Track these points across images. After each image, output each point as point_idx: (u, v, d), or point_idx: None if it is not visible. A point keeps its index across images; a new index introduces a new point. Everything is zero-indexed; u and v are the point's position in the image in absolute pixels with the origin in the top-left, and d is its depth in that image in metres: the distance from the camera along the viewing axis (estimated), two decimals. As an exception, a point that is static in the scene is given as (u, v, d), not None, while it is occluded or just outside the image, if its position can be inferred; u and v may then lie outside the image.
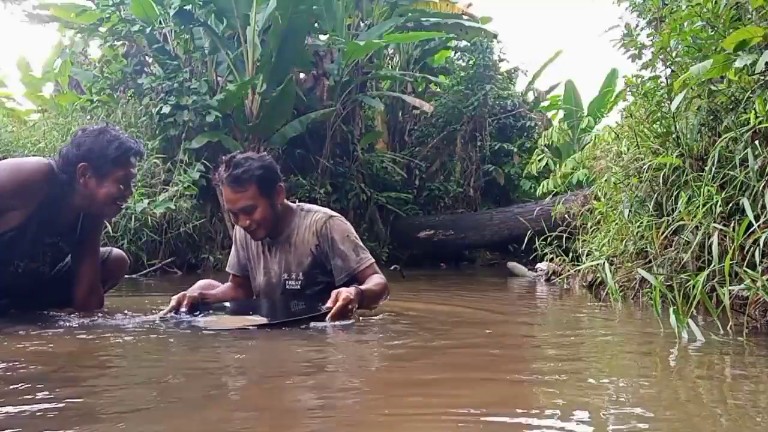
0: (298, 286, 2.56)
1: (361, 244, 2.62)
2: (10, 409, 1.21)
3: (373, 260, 2.59)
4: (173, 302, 2.41)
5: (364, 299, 2.34)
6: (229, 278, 2.79)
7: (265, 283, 2.63)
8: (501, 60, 11.08)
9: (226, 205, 2.49)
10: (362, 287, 2.37)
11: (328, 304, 2.23)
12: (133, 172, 2.53)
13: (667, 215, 3.02)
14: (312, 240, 2.54)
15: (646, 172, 3.26)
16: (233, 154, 2.53)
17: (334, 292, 2.26)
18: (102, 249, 2.79)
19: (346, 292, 2.25)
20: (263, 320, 2.34)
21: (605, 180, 4.04)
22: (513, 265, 7.07)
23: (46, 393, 1.35)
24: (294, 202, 2.70)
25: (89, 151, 2.40)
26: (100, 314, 2.54)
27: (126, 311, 2.62)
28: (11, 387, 1.41)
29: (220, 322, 2.37)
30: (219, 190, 2.62)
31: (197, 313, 2.44)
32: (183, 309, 2.38)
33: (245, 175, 2.41)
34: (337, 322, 2.21)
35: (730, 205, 2.58)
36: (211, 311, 2.50)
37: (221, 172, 2.45)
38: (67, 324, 2.35)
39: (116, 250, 2.92)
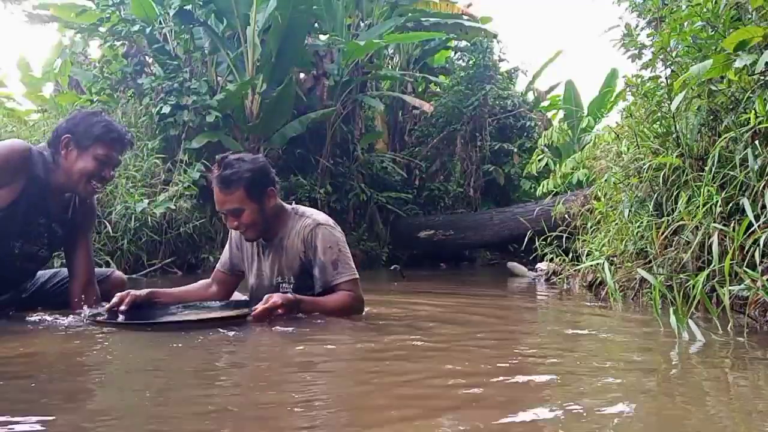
0: (291, 289, 2.55)
1: (346, 257, 2.52)
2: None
3: (354, 276, 2.50)
4: (115, 299, 2.34)
5: (302, 309, 2.34)
6: (212, 274, 2.77)
7: (256, 285, 2.61)
8: (501, 60, 11.11)
9: (216, 205, 2.47)
10: (304, 297, 2.38)
11: (257, 305, 2.24)
12: (115, 156, 2.55)
13: (667, 215, 3.02)
14: (300, 246, 2.51)
15: (646, 172, 3.26)
16: (227, 154, 2.49)
17: (266, 296, 2.28)
18: (102, 270, 2.91)
19: (276, 297, 2.26)
20: (188, 317, 2.33)
21: (605, 180, 4.04)
22: (513, 265, 7.07)
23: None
24: (291, 203, 2.67)
25: (75, 124, 2.51)
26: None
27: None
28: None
29: (141, 317, 2.32)
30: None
31: (165, 312, 2.39)
32: (123, 307, 2.31)
33: (234, 177, 2.39)
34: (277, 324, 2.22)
35: (730, 205, 2.58)
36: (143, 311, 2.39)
37: (213, 172, 2.45)
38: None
39: (117, 272, 2.97)
